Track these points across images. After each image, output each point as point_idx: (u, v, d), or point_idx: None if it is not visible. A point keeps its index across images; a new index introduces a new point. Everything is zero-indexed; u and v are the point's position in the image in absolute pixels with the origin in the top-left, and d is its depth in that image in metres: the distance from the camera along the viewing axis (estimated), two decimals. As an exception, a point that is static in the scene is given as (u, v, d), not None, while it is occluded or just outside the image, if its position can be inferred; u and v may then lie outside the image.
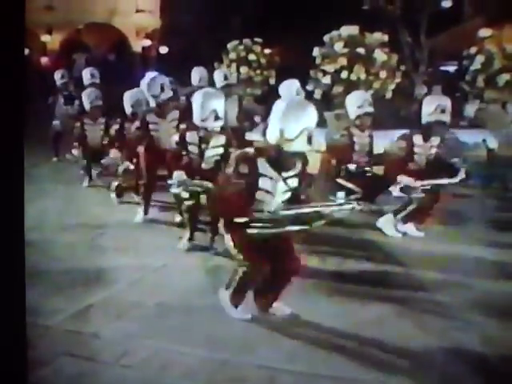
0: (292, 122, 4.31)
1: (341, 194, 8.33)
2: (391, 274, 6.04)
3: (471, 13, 21.07)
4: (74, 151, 10.93)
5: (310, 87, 11.77)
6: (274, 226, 4.48)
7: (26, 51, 23.23)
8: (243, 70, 14.08)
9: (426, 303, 5.22)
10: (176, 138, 6.75)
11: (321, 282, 5.66)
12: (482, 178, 10.30)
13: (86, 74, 12.05)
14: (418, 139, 7.32)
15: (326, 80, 11.51)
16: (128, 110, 9.20)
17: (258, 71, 14.37)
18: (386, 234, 7.39)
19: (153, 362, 4.17)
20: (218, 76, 10.02)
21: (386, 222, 7.48)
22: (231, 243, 4.67)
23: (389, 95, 11.66)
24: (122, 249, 6.68)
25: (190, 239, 6.72)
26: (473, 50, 12.83)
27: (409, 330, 4.64)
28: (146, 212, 8.05)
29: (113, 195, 9.14)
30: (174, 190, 6.50)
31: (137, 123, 8.08)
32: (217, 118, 6.35)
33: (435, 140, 7.37)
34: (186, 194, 6.44)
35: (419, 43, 19.19)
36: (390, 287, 5.61)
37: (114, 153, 9.31)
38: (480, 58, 12.12)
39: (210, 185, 6.15)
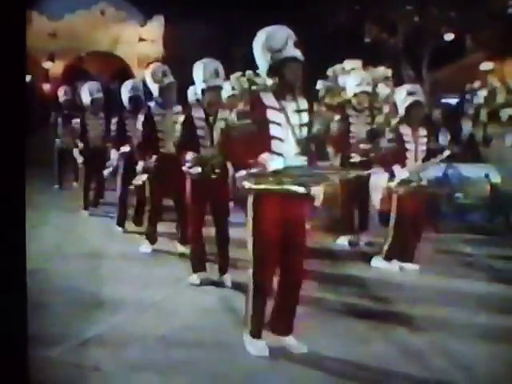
0: (274, 37, 4.59)
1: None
2: (386, 309, 5.96)
3: (473, 47, 21.22)
4: (75, 152, 10.90)
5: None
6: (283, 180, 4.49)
7: (28, 78, 23.36)
8: (246, 101, 14.07)
9: (424, 340, 5.12)
10: (182, 118, 6.70)
11: (322, 318, 5.57)
12: (484, 213, 10.30)
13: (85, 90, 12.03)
14: (404, 129, 7.34)
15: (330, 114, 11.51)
16: (126, 97, 9.11)
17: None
18: (381, 269, 7.36)
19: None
20: (225, 87, 9.99)
21: (378, 261, 7.47)
22: (251, 222, 4.69)
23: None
24: (124, 280, 6.65)
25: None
26: (476, 84, 12.88)
27: (410, 368, 4.56)
28: (153, 241, 8.01)
29: (118, 228, 9.14)
30: (195, 170, 6.42)
31: (141, 117, 7.88)
32: (218, 75, 6.42)
33: (422, 131, 7.44)
34: (207, 169, 6.34)
35: (421, 76, 19.34)
36: (387, 323, 5.52)
37: (113, 153, 9.33)
38: (483, 93, 12.16)
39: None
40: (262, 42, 4.62)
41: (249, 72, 14.63)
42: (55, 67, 28.62)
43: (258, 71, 13.69)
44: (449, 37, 19.86)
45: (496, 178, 10.48)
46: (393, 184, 7.29)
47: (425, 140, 7.44)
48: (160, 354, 4.73)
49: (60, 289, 6.25)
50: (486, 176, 10.47)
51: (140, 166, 7.84)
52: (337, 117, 8.73)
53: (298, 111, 4.67)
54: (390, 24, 19.15)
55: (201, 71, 6.38)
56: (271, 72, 4.63)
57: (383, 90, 11.31)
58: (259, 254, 4.66)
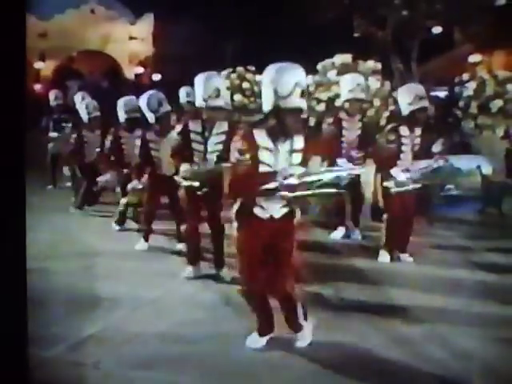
0: (283, 79, 4.40)
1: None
2: (382, 301, 6.04)
3: (461, 39, 21.26)
4: (65, 169, 10.92)
5: (303, 115, 11.80)
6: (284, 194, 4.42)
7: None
8: (237, 97, 14.08)
9: (421, 331, 5.19)
10: (179, 128, 6.77)
11: (320, 311, 5.57)
12: (476, 204, 10.36)
13: (78, 98, 12.16)
14: (404, 130, 7.35)
15: (320, 108, 11.53)
16: (122, 116, 9.15)
17: (252, 99, 14.37)
18: (378, 262, 7.44)
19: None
20: None
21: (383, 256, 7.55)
22: (235, 242, 4.69)
23: (383, 122, 11.68)
24: (121, 277, 6.66)
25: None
26: (465, 76, 12.88)
27: (407, 358, 4.61)
28: (146, 239, 8.05)
29: (114, 225, 9.18)
30: (186, 183, 6.51)
31: (137, 141, 8.08)
32: (219, 95, 6.40)
33: (418, 130, 7.43)
34: (196, 184, 6.44)
35: (410, 70, 19.36)
36: (384, 314, 5.60)
37: (111, 175, 9.39)
38: (472, 85, 12.17)
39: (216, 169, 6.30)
40: (269, 79, 4.48)
41: (239, 68, 14.68)
42: (46, 67, 28.57)
43: (248, 67, 13.68)
44: (437, 30, 19.89)
45: (487, 170, 10.56)
46: (390, 185, 7.33)
47: (419, 140, 7.44)
48: (159, 350, 4.76)
49: (57, 288, 6.26)
50: (478, 167, 10.54)
51: (130, 185, 8.14)
52: (329, 120, 8.72)
53: (291, 151, 4.56)
54: (379, 18, 19.15)
55: (201, 88, 6.40)
56: (271, 113, 4.50)
57: (373, 83, 11.36)
58: (245, 271, 4.69)
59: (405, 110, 7.35)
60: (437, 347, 4.82)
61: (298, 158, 4.58)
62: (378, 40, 19.16)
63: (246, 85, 14.37)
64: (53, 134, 12.82)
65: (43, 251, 7.53)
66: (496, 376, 4.42)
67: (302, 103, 4.47)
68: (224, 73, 14.61)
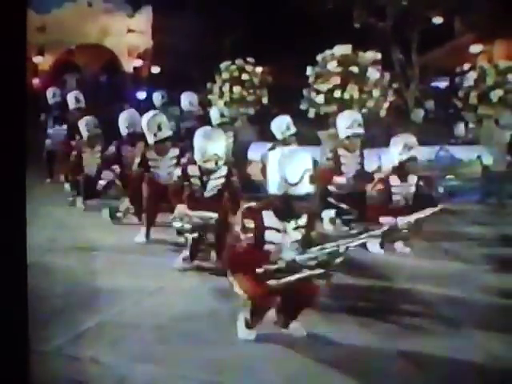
0: (291, 167, 4.41)
1: (327, 213, 8.41)
2: (386, 291, 6.04)
3: (462, 29, 21.21)
4: (66, 184, 10.98)
5: (303, 106, 11.81)
6: (291, 272, 4.38)
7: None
8: (236, 89, 14.09)
9: (424, 320, 5.19)
10: (178, 171, 6.85)
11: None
12: (476, 194, 10.34)
13: (71, 99, 12.16)
14: (394, 180, 7.37)
15: (320, 99, 11.52)
16: (123, 131, 9.33)
17: (251, 91, 14.39)
18: (370, 251, 7.33)
19: (153, 387, 4.10)
20: (214, 113, 10.05)
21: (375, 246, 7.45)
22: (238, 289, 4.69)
23: (383, 114, 11.67)
24: (119, 271, 6.62)
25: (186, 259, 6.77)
26: (466, 66, 12.87)
27: (410, 347, 4.60)
28: (147, 236, 8.01)
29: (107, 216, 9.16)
30: (177, 224, 6.55)
31: (137, 159, 8.20)
32: (217, 162, 6.52)
33: (412, 178, 7.44)
34: (188, 226, 6.52)
35: (410, 60, 19.35)
36: (386, 305, 5.60)
37: (105, 174, 9.43)
38: (473, 75, 12.15)
39: (212, 216, 6.40)
40: (276, 167, 4.51)
41: (238, 60, 14.66)
42: (45, 61, 28.51)
43: (247, 59, 13.78)
44: (437, 20, 19.83)
45: (488, 160, 10.54)
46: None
47: (413, 189, 7.45)
48: (158, 343, 4.74)
49: (55, 282, 6.22)
50: (478, 157, 10.53)
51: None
52: (329, 155, 8.72)
53: (297, 228, 4.62)
54: (379, 8, 19.12)
55: (200, 154, 6.51)
56: (279, 198, 4.53)
57: (373, 74, 11.35)
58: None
59: (395, 158, 7.40)
60: (437, 342, 4.78)
61: (299, 234, 4.63)
62: (377, 31, 19.12)
63: (245, 76, 14.39)
64: (50, 131, 12.78)
65: (43, 245, 7.49)
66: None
67: (311, 189, 4.49)
68: (223, 65, 14.62)
